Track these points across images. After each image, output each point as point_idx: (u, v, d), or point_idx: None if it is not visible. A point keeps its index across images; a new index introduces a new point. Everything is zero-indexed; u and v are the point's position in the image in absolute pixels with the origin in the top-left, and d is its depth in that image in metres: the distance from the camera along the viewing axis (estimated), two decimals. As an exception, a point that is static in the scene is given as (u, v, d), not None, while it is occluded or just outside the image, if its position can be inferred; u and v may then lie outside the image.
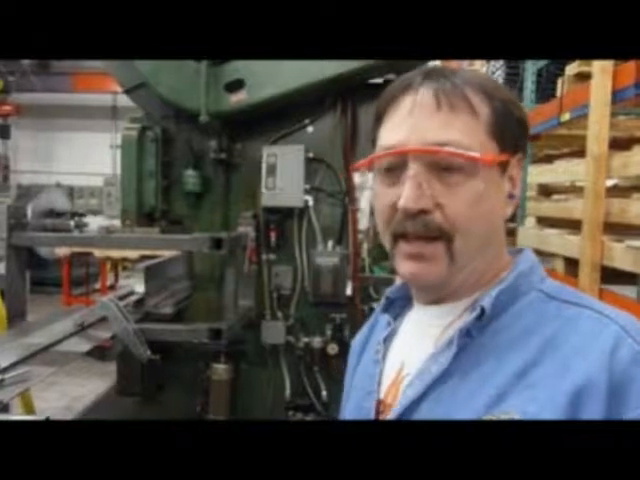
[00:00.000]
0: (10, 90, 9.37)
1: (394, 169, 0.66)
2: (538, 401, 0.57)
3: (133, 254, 4.77)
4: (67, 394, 4.58)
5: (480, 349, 0.64)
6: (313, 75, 2.35)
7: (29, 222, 6.81)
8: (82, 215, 8.69)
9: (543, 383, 0.58)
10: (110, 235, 2.09)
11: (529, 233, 3.17)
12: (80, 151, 10.33)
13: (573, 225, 2.64)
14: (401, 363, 0.72)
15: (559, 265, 2.80)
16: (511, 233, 3.26)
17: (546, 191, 3.25)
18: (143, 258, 4.29)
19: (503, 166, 0.67)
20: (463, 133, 0.63)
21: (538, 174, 3.20)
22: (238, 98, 2.38)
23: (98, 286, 6.91)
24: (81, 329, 1.95)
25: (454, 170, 0.63)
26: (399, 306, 0.81)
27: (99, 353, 1.98)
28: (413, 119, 0.65)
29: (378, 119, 0.71)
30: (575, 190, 2.91)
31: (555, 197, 3.06)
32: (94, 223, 8.46)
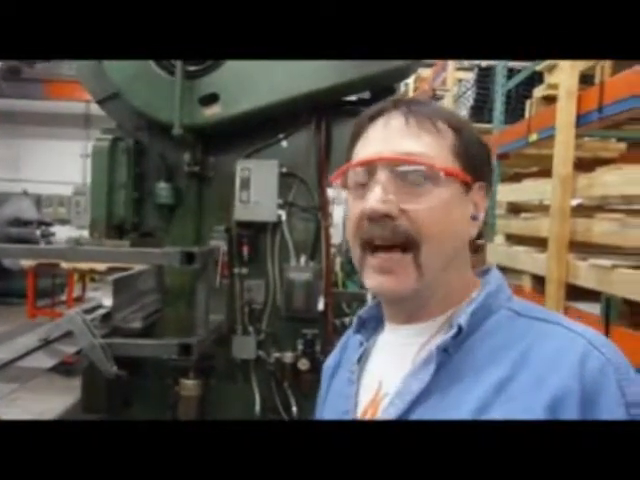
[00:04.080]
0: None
1: (364, 183, 0.70)
2: (517, 413, 0.60)
3: (101, 266, 4.67)
4: (30, 410, 4.41)
5: (457, 366, 0.67)
6: (288, 91, 2.37)
7: (-6, 231, 6.53)
8: (49, 224, 8.50)
9: (520, 396, 0.61)
10: (79, 247, 2.05)
11: (498, 250, 3.23)
12: (50, 159, 10.12)
13: (540, 243, 2.71)
14: (379, 383, 0.74)
15: (527, 282, 2.86)
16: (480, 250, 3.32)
17: (515, 209, 3.33)
18: (111, 270, 4.20)
19: (466, 187, 0.71)
20: (429, 147, 0.68)
21: (507, 192, 3.28)
22: (212, 112, 2.38)
23: (64, 298, 6.73)
24: (45, 343, 1.90)
25: (419, 180, 0.67)
26: (371, 327, 0.82)
27: (64, 369, 1.92)
28: (384, 135, 0.70)
29: (352, 142, 0.75)
30: (543, 209, 2.99)
31: (523, 215, 3.13)
32: (61, 233, 8.28)
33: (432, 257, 0.67)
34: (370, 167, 0.69)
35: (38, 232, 8.25)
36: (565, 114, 2.44)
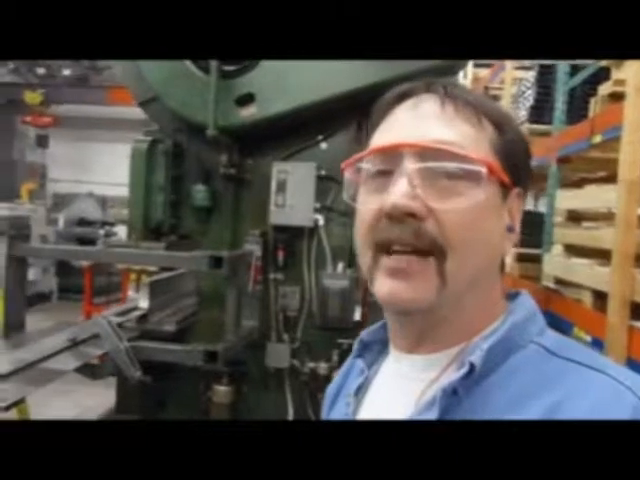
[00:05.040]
0: (49, 102, 9.70)
1: (384, 173, 0.57)
2: None
3: (153, 266, 4.76)
4: (81, 404, 4.55)
5: (469, 412, 0.54)
6: (325, 90, 2.27)
7: (60, 230, 6.87)
8: (112, 224, 8.86)
9: None
10: (110, 249, 2.04)
11: (555, 261, 2.98)
12: (114, 162, 10.58)
13: (603, 255, 2.46)
14: None
15: (587, 298, 2.60)
16: (535, 260, 3.09)
17: (576, 217, 3.06)
18: (162, 270, 4.27)
19: (504, 192, 0.59)
20: (467, 139, 0.56)
21: (567, 199, 3.02)
22: (249, 112, 2.32)
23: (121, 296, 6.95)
24: (73, 345, 1.89)
25: (453, 176, 0.55)
26: (376, 351, 0.70)
27: (90, 371, 1.92)
28: (412, 119, 0.58)
29: (372, 127, 0.63)
30: (607, 217, 2.72)
31: (585, 224, 2.87)
32: (123, 232, 8.61)
33: (459, 269, 0.55)
34: (394, 155, 0.57)
35: (102, 232, 8.61)
36: (633, 112, 2.20)
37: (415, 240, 0.54)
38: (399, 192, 0.54)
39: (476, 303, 0.59)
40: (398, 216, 0.54)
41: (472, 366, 0.54)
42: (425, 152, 0.55)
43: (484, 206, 0.56)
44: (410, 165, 0.55)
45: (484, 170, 0.55)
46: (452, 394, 0.54)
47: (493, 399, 0.54)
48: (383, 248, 0.56)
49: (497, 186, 0.57)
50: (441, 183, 0.55)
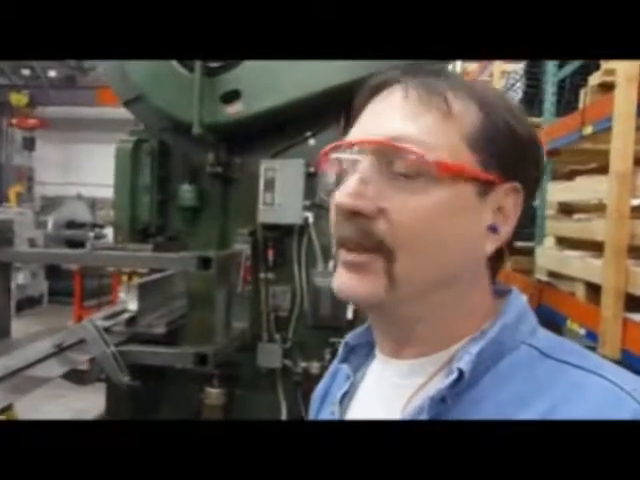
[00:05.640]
0: (36, 104, 9.60)
1: (348, 169, 0.56)
2: None
3: (142, 268, 4.71)
4: (72, 407, 4.50)
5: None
6: (313, 86, 2.24)
7: (49, 233, 6.80)
8: (101, 227, 8.79)
9: None
10: (96, 252, 2.00)
11: (548, 254, 2.97)
12: (104, 163, 10.49)
13: (596, 247, 2.45)
14: None
15: (580, 290, 2.59)
16: (528, 253, 3.07)
17: (567, 209, 3.05)
18: (153, 272, 4.22)
19: (484, 188, 0.54)
20: (428, 131, 0.53)
21: (559, 191, 3.01)
22: (234, 109, 2.28)
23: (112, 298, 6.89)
24: (59, 351, 1.85)
25: (411, 174, 0.52)
26: (363, 354, 0.67)
27: (77, 376, 1.87)
28: (376, 112, 0.57)
29: (353, 119, 0.60)
30: (599, 209, 2.71)
31: (576, 216, 2.86)
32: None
33: (412, 270, 0.52)
34: (351, 152, 0.55)
35: (91, 234, 8.54)
36: (624, 103, 2.18)
37: (362, 239, 0.52)
38: (346, 190, 0.52)
39: (454, 304, 0.56)
40: (345, 214, 0.53)
41: (461, 373, 0.51)
42: (380, 149, 0.53)
43: (445, 205, 0.52)
44: (363, 163, 0.53)
45: (445, 173, 0.51)
46: (440, 402, 0.52)
47: (484, 406, 0.51)
48: (341, 245, 0.55)
49: (469, 183, 0.53)
50: (396, 183, 0.52)
